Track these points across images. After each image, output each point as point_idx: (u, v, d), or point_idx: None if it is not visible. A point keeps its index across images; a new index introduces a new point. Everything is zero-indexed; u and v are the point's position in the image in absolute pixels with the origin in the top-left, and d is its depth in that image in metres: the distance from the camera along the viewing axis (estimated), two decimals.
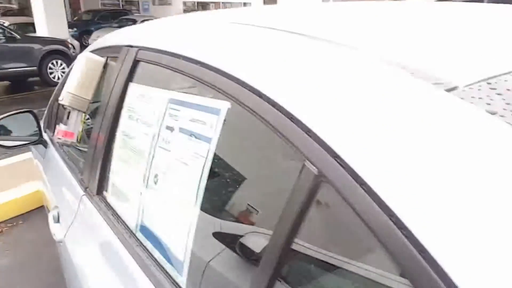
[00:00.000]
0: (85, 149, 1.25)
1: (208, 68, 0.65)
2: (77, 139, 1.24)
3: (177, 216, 0.66)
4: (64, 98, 1.18)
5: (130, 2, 22.93)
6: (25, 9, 18.05)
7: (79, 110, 1.22)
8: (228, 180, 0.67)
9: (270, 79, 0.56)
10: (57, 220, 1.28)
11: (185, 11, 20.34)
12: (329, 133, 0.45)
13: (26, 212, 3.26)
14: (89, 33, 15.53)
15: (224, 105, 0.61)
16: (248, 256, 0.59)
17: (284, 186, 0.50)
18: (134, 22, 14.03)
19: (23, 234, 2.97)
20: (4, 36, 8.73)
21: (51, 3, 10.62)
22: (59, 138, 1.24)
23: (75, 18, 18.49)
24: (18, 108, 5.92)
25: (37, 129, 1.82)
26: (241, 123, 0.63)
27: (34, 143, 1.84)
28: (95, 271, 0.88)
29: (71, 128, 1.22)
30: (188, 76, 0.72)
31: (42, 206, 3.29)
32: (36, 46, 9.13)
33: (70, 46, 9.90)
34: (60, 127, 1.24)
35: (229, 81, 0.60)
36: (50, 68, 9.47)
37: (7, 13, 18.03)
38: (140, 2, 22.83)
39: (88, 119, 1.30)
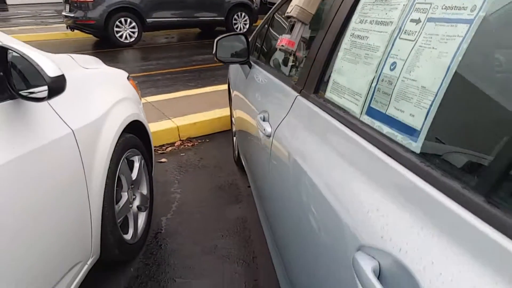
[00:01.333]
0: (302, 58, 1.41)
1: None
2: (295, 49, 1.41)
3: (414, 93, 0.72)
4: (293, 10, 1.34)
5: None
6: None
7: (302, 22, 1.38)
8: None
9: None
10: (265, 120, 1.50)
11: None
12: None
13: (212, 133, 3.83)
14: None
15: None
16: None
17: None
18: None
19: (208, 149, 3.53)
20: None
21: None
22: (282, 46, 1.43)
23: None
24: (206, 50, 6.85)
25: (246, 52, 2.10)
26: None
27: (243, 62, 2.13)
28: (312, 154, 1.03)
29: (293, 38, 1.39)
30: None
31: (224, 131, 3.83)
32: None
33: (254, 0, 10.67)
34: (284, 36, 1.43)
35: None
36: (235, 19, 10.44)
37: None
38: None
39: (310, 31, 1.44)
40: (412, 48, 0.78)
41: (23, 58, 1.11)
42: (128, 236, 2.03)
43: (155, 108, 4.09)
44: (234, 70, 2.74)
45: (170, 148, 3.52)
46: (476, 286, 0.48)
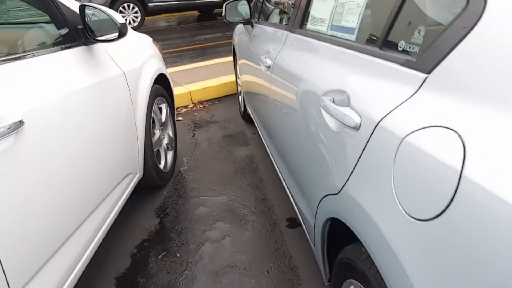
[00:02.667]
0: (291, 8, 1.92)
1: None
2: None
3: (353, 8, 1.23)
4: None
5: None
6: None
7: None
8: None
9: None
10: (267, 57, 2.01)
11: None
12: None
13: (220, 97, 4.34)
14: None
15: None
16: None
17: None
18: None
19: (218, 108, 4.04)
20: None
21: None
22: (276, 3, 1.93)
23: None
24: (207, 31, 7.37)
25: (248, 14, 2.60)
26: None
27: (246, 22, 2.63)
28: (297, 63, 1.53)
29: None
30: None
31: (230, 94, 4.33)
32: None
33: None
34: None
35: None
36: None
37: None
38: None
39: None
40: None
41: (100, 11, 1.62)
42: (161, 166, 2.56)
43: None
44: (238, 39, 3.24)
45: (184, 110, 4.04)
46: (381, 88, 0.99)
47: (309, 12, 1.63)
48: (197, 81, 4.41)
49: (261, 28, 2.42)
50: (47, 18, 1.66)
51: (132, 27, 9.44)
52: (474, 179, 0.61)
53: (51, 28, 1.66)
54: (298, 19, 1.72)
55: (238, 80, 3.67)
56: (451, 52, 0.75)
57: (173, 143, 2.85)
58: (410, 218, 0.73)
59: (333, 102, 1.09)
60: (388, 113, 0.86)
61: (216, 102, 4.23)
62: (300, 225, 2.12)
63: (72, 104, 1.47)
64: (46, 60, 1.46)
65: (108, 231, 1.82)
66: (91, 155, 1.59)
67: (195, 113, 3.96)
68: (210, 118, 3.81)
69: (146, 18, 9.88)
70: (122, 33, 1.66)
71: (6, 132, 1.10)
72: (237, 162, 2.91)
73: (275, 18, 2.32)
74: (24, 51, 1.50)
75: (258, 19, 2.68)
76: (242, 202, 2.41)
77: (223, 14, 2.54)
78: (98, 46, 1.82)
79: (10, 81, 1.23)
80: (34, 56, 1.40)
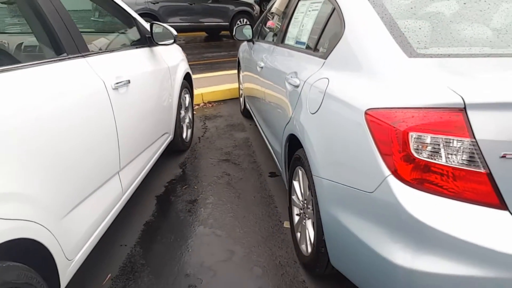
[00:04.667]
0: (276, 30, 3.05)
1: None
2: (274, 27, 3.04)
3: (296, 25, 2.34)
4: (273, 9, 2.98)
5: None
6: None
7: (278, 15, 3.00)
8: None
9: None
10: (261, 61, 3.11)
11: None
12: None
13: (224, 100, 5.45)
14: (268, 0, 18.18)
15: None
16: None
17: None
18: None
19: (223, 107, 5.15)
20: None
21: None
22: (269, 26, 3.05)
23: None
24: (214, 50, 8.89)
25: (251, 35, 3.73)
26: None
27: (249, 40, 3.77)
28: (278, 62, 2.64)
29: (274, 22, 3.01)
30: None
31: (233, 98, 5.44)
32: (230, 7, 11.81)
33: (254, 8, 12.39)
34: (270, 21, 3.05)
35: None
36: (237, 25, 12.14)
37: None
38: None
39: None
40: (293, 16, 2.40)
41: (163, 27, 2.73)
42: (184, 136, 3.63)
43: None
44: (242, 55, 4.37)
45: (197, 107, 5.14)
46: (309, 67, 2.08)
47: (284, 33, 2.75)
48: (207, 86, 5.53)
49: (259, 45, 3.54)
50: (131, 28, 2.77)
51: None
52: (331, 93, 1.69)
53: (132, 34, 2.77)
54: (279, 37, 2.85)
55: (240, 86, 4.78)
56: (332, 50, 1.85)
57: (191, 124, 3.94)
58: (310, 113, 1.81)
59: (291, 77, 2.19)
60: (309, 77, 1.96)
61: (222, 103, 5.34)
62: (277, 175, 3.17)
63: (145, 77, 2.57)
64: (130, 53, 2.56)
65: (149, 172, 2.87)
66: (153, 111, 2.67)
67: (205, 110, 5.06)
68: (217, 113, 4.90)
69: None
70: (175, 40, 2.77)
71: (124, 83, 2.18)
72: (236, 141, 3.99)
73: (268, 37, 3.45)
74: (118, 48, 2.60)
75: (258, 38, 3.81)
76: (239, 161, 3.47)
77: (233, 34, 3.67)
78: (156, 49, 2.93)
79: (119, 62, 2.31)
80: (124, 50, 2.50)
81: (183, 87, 3.50)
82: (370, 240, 1.35)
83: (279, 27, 2.93)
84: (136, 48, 2.68)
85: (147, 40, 2.82)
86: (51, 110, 1.52)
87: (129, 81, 2.24)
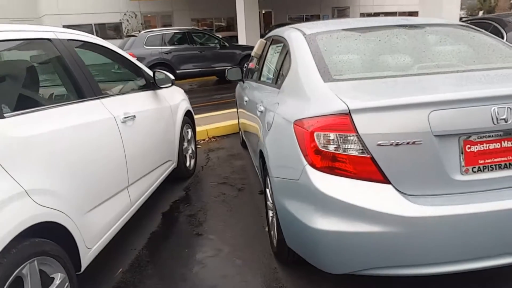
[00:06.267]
0: (257, 72, 3.67)
1: None
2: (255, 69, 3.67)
3: (270, 72, 2.95)
4: (253, 52, 3.60)
5: (313, 16, 26.39)
6: (231, 26, 23.59)
7: (257, 58, 3.63)
8: None
9: None
10: (246, 97, 3.71)
11: None
12: None
13: (227, 134, 6.07)
14: None
15: None
16: None
17: None
18: None
19: (225, 141, 5.75)
20: (219, 45, 12.57)
21: (250, 21, 14.41)
22: (250, 66, 3.68)
23: (266, 31, 22.80)
24: (222, 91, 9.87)
25: (241, 76, 4.38)
26: None
27: (240, 80, 4.41)
28: (254, 95, 3.23)
29: (254, 63, 3.63)
30: None
31: (234, 133, 6.05)
32: (237, 51, 12.77)
33: None
34: (251, 63, 3.69)
35: None
36: (245, 67, 13.02)
37: (219, 29, 23.68)
38: (321, 16, 26.08)
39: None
40: (265, 61, 3.00)
41: (163, 74, 3.40)
42: (187, 164, 4.21)
43: None
44: (237, 95, 5.02)
45: (202, 142, 5.76)
46: (271, 96, 2.66)
47: (260, 71, 3.37)
48: (212, 123, 6.18)
49: (248, 83, 4.18)
50: (138, 76, 3.45)
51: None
52: (279, 113, 2.24)
53: (138, 81, 3.45)
54: (257, 75, 3.47)
55: (238, 122, 5.40)
56: (284, 81, 2.43)
57: (194, 155, 4.53)
58: (267, 130, 2.37)
59: (259, 105, 2.77)
60: (268, 103, 2.53)
61: (224, 138, 5.95)
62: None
63: (150, 114, 3.20)
64: (137, 95, 3.22)
65: (157, 194, 3.44)
66: (156, 140, 3.28)
67: (209, 143, 5.68)
68: (219, 146, 5.51)
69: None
70: (172, 83, 3.43)
71: (131, 118, 2.80)
72: (234, 167, 4.54)
73: (252, 76, 4.08)
74: (127, 91, 3.26)
75: (247, 78, 4.45)
76: (234, 183, 4.01)
77: (226, 75, 4.32)
78: (159, 91, 3.59)
79: (127, 102, 2.95)
80: (132, 93, 3.16)
81: (184, 122, 4.13)
82: (300, 214, 1.85)
83: (258, 67, 3.56)
84: (142, 91, 3.34)
85: (151, 85, 3.48)
86: (76, 137, 2.13)
87: (134, 116, 2.86)
